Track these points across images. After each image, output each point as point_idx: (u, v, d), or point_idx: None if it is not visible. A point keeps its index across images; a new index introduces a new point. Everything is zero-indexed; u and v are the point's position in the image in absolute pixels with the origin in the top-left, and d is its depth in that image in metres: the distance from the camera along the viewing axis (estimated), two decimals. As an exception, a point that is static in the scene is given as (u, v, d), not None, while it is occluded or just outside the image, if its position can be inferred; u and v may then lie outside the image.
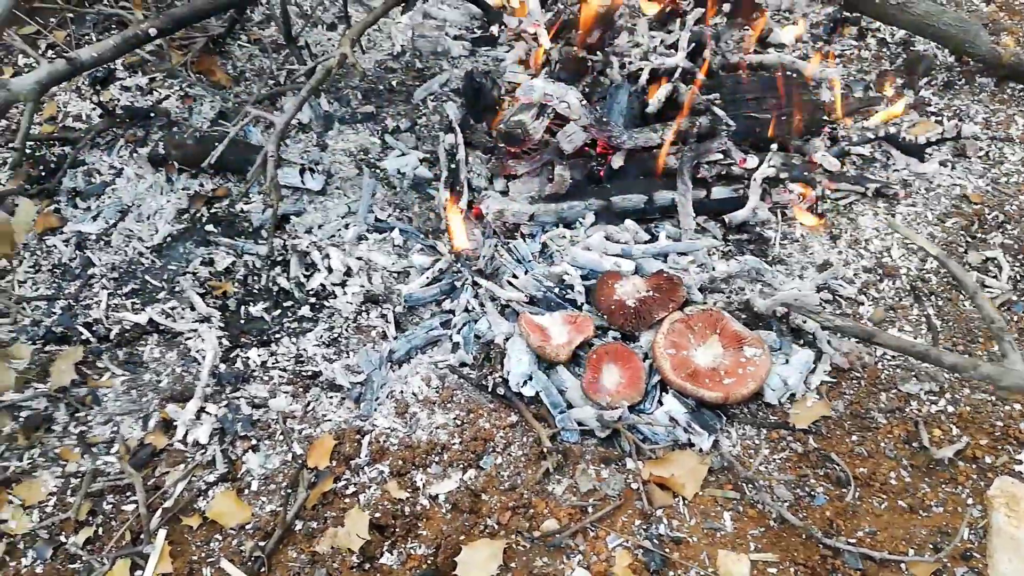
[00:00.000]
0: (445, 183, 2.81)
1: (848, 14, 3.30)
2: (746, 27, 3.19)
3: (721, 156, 2.71)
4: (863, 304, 2.51)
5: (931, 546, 1.98)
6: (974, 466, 2.14)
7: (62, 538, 2.12)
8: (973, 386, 2.29)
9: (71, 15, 3.34)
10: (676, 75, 2.79)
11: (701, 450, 2.19)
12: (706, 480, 2.14)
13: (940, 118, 2.98)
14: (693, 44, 2.92)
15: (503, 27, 2.75)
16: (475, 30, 3.39)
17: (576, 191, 2.73)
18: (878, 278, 2.58)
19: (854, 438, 2.21)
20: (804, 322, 2.38)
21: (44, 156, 3.07)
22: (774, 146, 2.71)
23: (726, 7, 2.95)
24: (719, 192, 2.70)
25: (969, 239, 2.67)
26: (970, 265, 2.58)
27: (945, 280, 2.55)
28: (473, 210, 2.75)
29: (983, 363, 1.68)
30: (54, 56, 2.98)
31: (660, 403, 2.28)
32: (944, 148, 2.88)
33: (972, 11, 3.38)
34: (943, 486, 2.10)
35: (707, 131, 2.70)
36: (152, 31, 2.57)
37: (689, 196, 2.64)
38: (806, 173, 2.67)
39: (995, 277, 2.55)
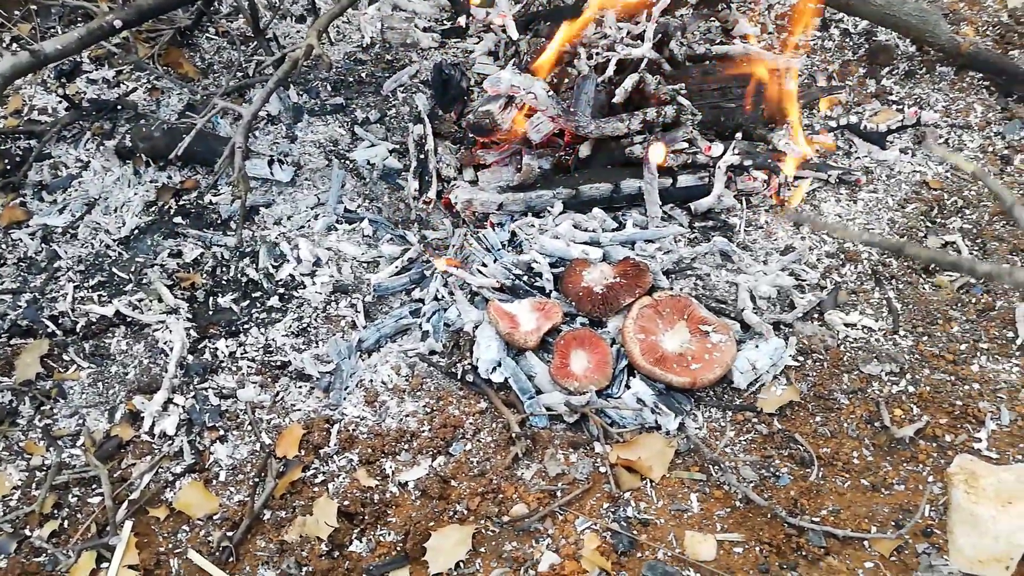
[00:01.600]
0: (414, 173, 2.82)
1: (812, 5, 3.35)
2: (711, 18, 3.23)
3: (686, 145, 2.74)
4: (825, 288, 2.55)
5: (893, 523, 2.02)
6: (934, 444, 2.18)
7: (27, 531, 2.10)
8: (933, 366, 2.33)
9: (35, 7, 3.30)
10: (642, 65, 2.81)
11: (668, 432, 2.21)
12: (673, 462, 2.17)
13: (901, 106, 3.03)
14: (659, 35, 2.94)
15: (471, 18, 2.76)
16: (444, 22, 3.40)
17: (544, 180, 2.75)
18: (840, 263, 2.62)
19: (817, 419, 2.24)
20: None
21: (9, 149, 3.04)
22: (738, 135, 2.75)
23: (692, -1, 2.99)
24: (685, 180, 2.73)
25: (929, 224, 2.71)
26: (930, 249, 2.63)
27: (905, 264, 2.60)
28: (442, 200, 2.76)
29: (1017, 269, 1.67)
30: (17, 49, 2.95)
31: (627, 387, 2.30)
32: (904, 136, 2.93)
33: (932, 1, 3.43)
34: (904, 464, 2.14)
35: (673, 120, 2.72)
36: (117, 23, 2.56)
37: (655, 184, 2.67)
38: (769, 161, 2.70)
39: (955, 261, 2.60)
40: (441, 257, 2.61)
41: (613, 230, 2.69)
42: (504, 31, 2.90)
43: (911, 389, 2.29)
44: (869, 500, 2.08)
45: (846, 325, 2.44)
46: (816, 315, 2.48)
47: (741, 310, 2.43)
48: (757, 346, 2.35)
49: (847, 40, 3.33)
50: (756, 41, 3.20)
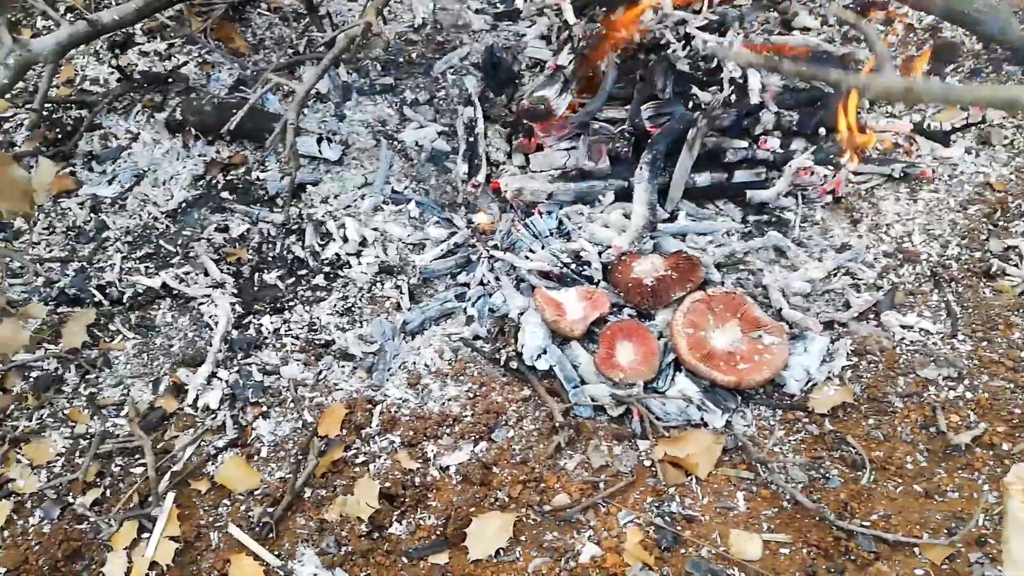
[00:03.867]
0: (463, 156, 2.79)
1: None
2: (771, 8, 3.16)
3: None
4: (881, 288, 2.48)
5: (945, 531, 1.96)
6: (991, 452, 2.11)
7: (70, 498, 2.11)
8: (991, 373, 2.26)
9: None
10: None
11: (714, 429, 2.17)
12: (720, 460, 2.12)
13: (965, 105, 2.94)
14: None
15: (528, 1, 2.71)
16: (497, 4, 3.37)
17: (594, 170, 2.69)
18: (898, 263, 2.55)
19: (870, 421, 2.18)
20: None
21: (61, 119, 3.06)
22: (822, 130, 2.67)
23: (752, -13, 2.91)
24: (741, 175, 2.66)
25: (991, 227, 2.63)
26: (992, 253, 2.55)
27: (966, 267, 2.52)
28: (491, 184, 2.73)
29: (855, 75, 1.69)
30: (74, 18, 2.96)
31: (673, 382, 2.26)
32: (968, 135, 2.84)
33: (1001, -1, 3.33)
34: (959, 472, 2.08)
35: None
36: (173, -7, 2.56)
37: (689, 164, 2.57)
38: (832, 156, 2.63)
39: (1016, 265, 2.52)
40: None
41: (664, 220, 2.63)
42: (559, 14, 2.85)
43: (968, 395, 2.22)
44: (922, 506, 2.02)
45: (903, 327, 2.37)
46: (872, 315, 2.41)
47: (779, 310, 2.38)
48: (806, 349, 2.29)
49: (911, 36, 3.23)
50: (816, 33, 3.12)
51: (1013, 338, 2.34)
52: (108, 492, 2.14)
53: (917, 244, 2.59)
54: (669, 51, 2.79)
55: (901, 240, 2.60)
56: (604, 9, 2.92)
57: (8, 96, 2.76)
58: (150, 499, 2.08)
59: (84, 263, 2.65)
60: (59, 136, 3.00)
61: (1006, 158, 2.82)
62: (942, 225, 2.63)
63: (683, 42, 2.80)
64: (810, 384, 2.26)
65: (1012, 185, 2.74)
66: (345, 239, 2.66)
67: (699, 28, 2.78)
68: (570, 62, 2.72)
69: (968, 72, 3.07)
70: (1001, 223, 2.64)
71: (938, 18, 3.13)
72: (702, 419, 2.19)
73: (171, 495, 2.11)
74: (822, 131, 2.70)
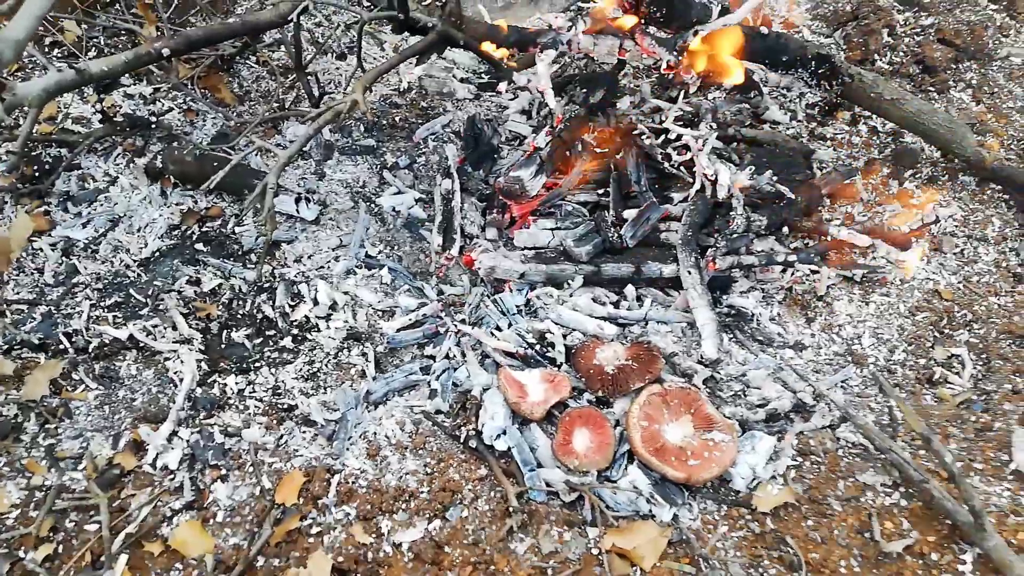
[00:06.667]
0: (438, 228, 2.85)
1: (843, 100, 3.41)
2: (743, 101, 3.28)
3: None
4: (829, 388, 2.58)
5: (874, 639, 2.04)
6: (920, 562, 2.20)
7: (21, 553, 2.11)
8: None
9: (80, 22, 3.33)
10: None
11: (661, 522, 2.24)
12: (664, 552, 2.19)
13: (920, 212, 3.08)
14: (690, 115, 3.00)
15: (512, 84, 2.80)
16: (482, 75, 3.45)
17: (566, 255, 2.77)
18: (847, 364, 2.66)
19: (810, 523, 2.27)
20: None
21: (39, 156, 3.07)
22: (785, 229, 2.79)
23: (727, 83, 3.03)
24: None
25: (937, 334, 2.75)
26: (936, 360, 2.67)
27: (911, 374, 2.64)
28: (464, 259, 2.79)
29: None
30: (61, 57, 2.98)
31: (626, 472, 2.33)
32: (920, 242, 2.98)
33: (961, 108, 3.49)
34: (890, 580, 2.17)
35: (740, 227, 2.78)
36: (165, 51, 2.59)
37: (696, 276, 2.66)
38: (814, 256, 2.73)
39: (957, 374, 2.64)
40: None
41: (627, 308, 2.72)
42: (542, 95, 2.94)
43: (903, 503, 2.32)
44: (854, 613, 2.10)
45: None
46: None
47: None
48: (754, 448, 2.38)
49: (874, 138, 3.38)
50: (786, 128, 3.25)
51: (949, 448, 2.45)
52: (60, 548, 2.14)
53: (866, 347, 2.70)
54: (643, 139, 2.91)
55: (851, 341, 2.72)
56: (584, 92, 3.02)
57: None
58: (103, 559, 2.09)
59: (52, 308, 2.65)
60: (36, 173, 3.00)
61: (955, 266, 2.95)
62: (891, 330, 2.75)
63: (657, 132, 2.91)
64: (755, 482, 2.34)
65: (959, 294, 2.87)
66: (316, 301, 2.71)
67: (674, 120, 2.90)
68: (547, 144, 2.81)
69: (926, 179, 3.22)
70: (947, 331, 2.77)
71: (901, 127, 3.28)
72: (650, 511, 2.26)
73: (124, 557, 2.12)
74: (785, 230, 2.82)
